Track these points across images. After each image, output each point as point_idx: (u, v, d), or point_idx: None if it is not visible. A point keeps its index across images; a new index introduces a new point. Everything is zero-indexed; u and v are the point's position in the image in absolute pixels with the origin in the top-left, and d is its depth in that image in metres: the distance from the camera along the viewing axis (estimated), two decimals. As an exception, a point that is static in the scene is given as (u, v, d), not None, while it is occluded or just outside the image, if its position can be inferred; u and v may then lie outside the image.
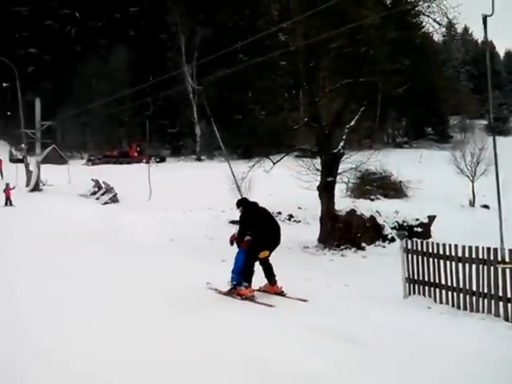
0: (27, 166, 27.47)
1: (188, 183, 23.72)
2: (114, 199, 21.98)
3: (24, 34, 53.82)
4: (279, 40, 14.89)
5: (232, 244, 7.32)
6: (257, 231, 7.18)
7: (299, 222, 16.05)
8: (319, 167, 13.89)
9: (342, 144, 12.54)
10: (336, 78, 13.28)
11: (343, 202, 14.70)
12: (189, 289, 7.39)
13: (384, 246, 13.21)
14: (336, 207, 13.45)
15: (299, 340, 5.09)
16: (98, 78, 45.60)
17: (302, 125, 14.39)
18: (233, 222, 15.73)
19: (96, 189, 23.92)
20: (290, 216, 16.33)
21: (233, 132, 34.94)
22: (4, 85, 44.32)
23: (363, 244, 12.91)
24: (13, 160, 43.01)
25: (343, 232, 12.76)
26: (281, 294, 7.26)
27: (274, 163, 13.67)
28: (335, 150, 12.73)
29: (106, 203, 21.42)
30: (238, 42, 32.33)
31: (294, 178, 15.45)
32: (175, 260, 10.72)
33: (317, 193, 13.59)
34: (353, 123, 13.07)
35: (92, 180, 24.77)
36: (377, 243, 13.33)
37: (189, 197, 19.98)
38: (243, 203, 7.63)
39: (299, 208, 16.67)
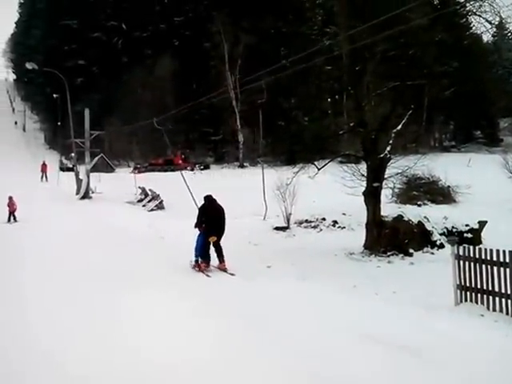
0: (77, 175, 28.33)
1: (232, 190, 23.86)
2: (160, 206, 22.37)
3: (73, 46, 56.00)
4: (323, 45, 14.81)
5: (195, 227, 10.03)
6: (206, 221, 9.82)
7: (344, 228, 15.82)
8: (364, 173, 13.66)
9: (388, 149, 12.31)
10: (382, 82, 13.05)
11: (389, 208, 14.39)
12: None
13: (432, 253, 12.82)
14: (382, 213, 13.19)
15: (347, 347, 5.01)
16: (144, 88, 46.76)
17: (347, 130, 14.23)
18: (277, 229, 15.73)
19: (142, 196, 24.45)
20: (335, 222, 16.13)
21: (276, 138, 35.10)
22: (54, 96, 46.07)
23: (411, 250, 12.56)
24: (63, 169, 44.70)
25: (390, 238, 12.48)
26: (224, 270, 9.75)
27: (319, 169, 13.54)
28: (381, 155, 12.50)
29: (152, 210, 21.85)
30: (282, 49, 32.61)
31: (338, 184, 15.27)
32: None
33: (362, 198, 13.37)
34: (399, 127, 12.81)
35: (138, 187, 25.35)
36: (425, 250, 12.95)
37: (233, 203, 20.05)
38: (204, 199, 10.40)
39: (344, 214, 16.45)
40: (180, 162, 42.87)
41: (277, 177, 16.11)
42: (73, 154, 32.55)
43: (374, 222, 12.76)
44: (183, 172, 37.98)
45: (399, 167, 13.86)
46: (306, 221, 16.51)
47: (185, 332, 5.90)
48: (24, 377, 4.74)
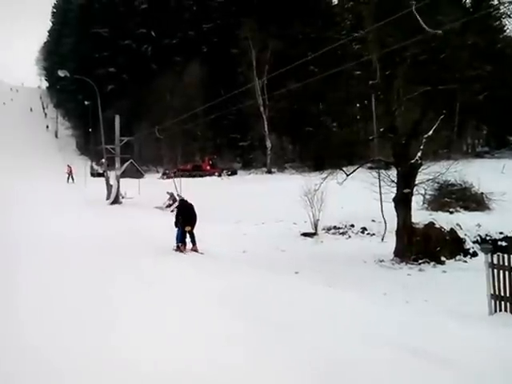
0: (107, 180, 28.73)
1: (259, 196, 23.87)
2: (188, 211, 22.54)
3: (104, 53, 57.22)
4: (352, 49, 14.69)
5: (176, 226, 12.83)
6: (183, 217, 12.71)
7: (373, 235, 15.61)
8: (394, 179, 13.47)
9: (419, 154, 12.09)
10: (413, 87, 12.85)
11: (420, 215, 14.14)
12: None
13: (465, 261, 12.52)
14: (413, 220, 12.96)
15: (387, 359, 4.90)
16: (172, 94, 47.32)
17: (376, 135, 14.07)
18: (305, 235, 15.62)
19: (171, 201, 24.64)
20: (364, 229, 15.93)
21: (304, 144, 35.00)
22: (86, 103, 47.05)
23: (443, 258, 12.29)
24: (93, 174, 45.64)
25: (421, 246, 12.24)
26: (196, 251, 12.71)
27: (348, 175, 13.42)
28: (412, 161, 12.29)
29: (180, 215, 22.02)
30: (309, 54, 32.53)
31: (367, 190, 15.10)
32: (248, 271, 10.77)
33: (391, 205, 13.18)
34: (431, 133, 12.57)
35: (167, 193, 25.57)
36: (457, 258, 12.66)
37: (260, 209, 20.09)
38: (179, 201, 14.16)
39: (373, 221, 16.23)
40: (208, 167, 43.16)
41: (304, 182, 16.01)
42: (103, 160, 33.10)
43: (405, 229, 12.55)
44: (211, 177, 38.55)
45: (430, 173, 13.62)
46: (334, 227, 16.36)
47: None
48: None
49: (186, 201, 13.40)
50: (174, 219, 13.17)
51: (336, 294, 8.26)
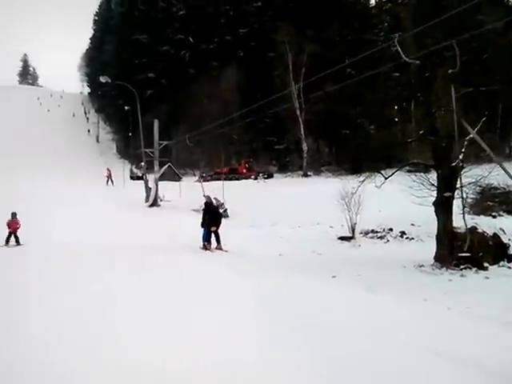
0: (146, 183, 29.32)
1: (295, 199, 23.83)
2: (224, 214, 22.70)
3: (143, 59, 58.46)
4: (390, 51, 14.46)
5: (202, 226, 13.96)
6: (209, 218, 13.79)
7: (412, 239, 15.33)
8: (434, 182, 13.16)
9: (460, 157, 11.77)
10: (454, 88, 12.53)
11: (461, 219, 13.77)
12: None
13: (509, 267, 12.09)
14: (454, 224, 12.63)
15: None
16: (209, 98, 47.78)
17: (416, 138, 13.80)
18: (342, 238, 15.49)
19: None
20: (403, 233, 15.66)
21: (341, 147, 34.60)
22: (126, 108, 48.13)
23: (485, 264, 11.91)
24: (133, 177, 46.63)
25: (463, 251, 11.91)
26: (220, 249, 13.76)
27: (386, 178, 13.21)
28: (453, 164, 11.98)
29: (217, 218, 22.24)
30: (346, 56, 32.28)
31: (405, 194, 14.81)
32: (284, 274, 10.77)
33: (431, 209, 12.89)
34: (472, 135, 12.22)
35: (204, 196, 25.83)
36: (501, 263, 12.24)
37: (297, 212, 20.07)
38: (204, 204, 14.80)
39: (412, 225, 15.94)
40: (244, 170, 43.36)
41: (341, 185, 15.88)
42: (142, 164, 33.81)
43: (446, 234, 12.25)
44: (247, 180, 38.71)
45: (472, 176, 13.24)
46: (372, 231, 16.16)
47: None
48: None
49: (212, 203, 14.83)
50: (200, 220, 14.30)
51: (375, 300, 8.15)
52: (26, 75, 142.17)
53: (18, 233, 14.89)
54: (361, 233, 15.97)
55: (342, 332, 6.24)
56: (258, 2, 53.12)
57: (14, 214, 15.15)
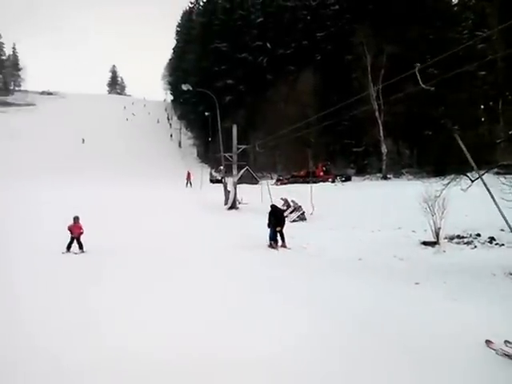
0: (225, 186, 30.08)
1: (375, 202, 23.38)
2: (302, 217, 22.76)
3: (223, 67, 60.12)
4: (476, 49, 13.86)
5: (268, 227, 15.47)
6: (275, 219, 15.43)
7: (502, 245, 14.47)
8: (526, 184, 12.38)
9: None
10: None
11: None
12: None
13: None
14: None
15: None
16: (286, 102, 48.14)
17: (505, 138, 13.09)
18: (425, 244, 14.98)
19: (285, 207, 25.06)
20: (492, 238, 14.84)
21: (423, 149, 33.34)
22: (206, 114, 49.74)
23: None
24: (212, 181, 48.08)
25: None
26: (285, 247, 15.19)
27: (473, 181, 12.63)
28: (548, 165, 11.25)
29: (294, 221, 22.32)
30: (428, 56, 31.16)
31: (495, 197, 14.06)
32: (365, 279, 10.67)
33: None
34: None
35: (281, 199, 26.05)
36: None
37: (377, 216, 19.69)
38: (270, 206, 16.35)
39: (502, 230, 15.04)
40: (321, 173, 43.11)
41: (423, 188, 15.37)
42: (221, 167, 34.74)
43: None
44: (324, 183, 38.45)
45: None
46: (458, 236, 15.48)
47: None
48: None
49: (276, 206, 16.53)
50: (266, 221, 15.80)
51: (462, 309, 7.85)
52: (115, 85, 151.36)
53: (82, 238, 13.94)
54: (445, 238, 15.32)
55: (427, 344, 6.13)
56: (335, 6, 52.75)
57: (76, 218, 14.14)
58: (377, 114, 40.62)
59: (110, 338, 6.51)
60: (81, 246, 13.89)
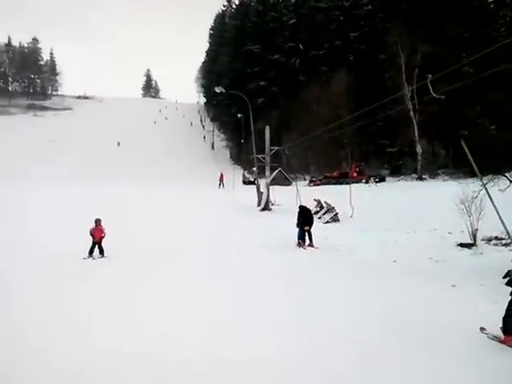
0: (258, 188, 30.26)
1: (410, 203, 23.09)
2: (335, 218, 22.68)
3: (255, 69, 60.41)
4: (515, 47, 13.53)
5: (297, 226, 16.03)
6: (303, 219, 15.94)
7: (543, 247, 14.09)
8: None
9: None
10: None
11: None
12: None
13: None
14: None
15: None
16: (319, 103, 48.03)
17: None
18: (461, 245, 14.75)
19: (318, 208, 25.03)
20: (531, 240, 14.47)
21: (458, 149, 32.64)
22: (239, 116, 50.10)
23: None
24: (245, 182, 48.38)
25: None
26: (312, 246, 15.70)
27: (511, 181, 12.39)
28: None
29: (327, 222, 22.28)
30: (463, 54, 30.52)
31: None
32: (400, 281, 10.62)
33: None
34: None
35: (314, 200, 26.03)
36: None
37: (411, 217, 19.45)
38: (299, 207, 16.77)
39: (543, 232, 14.64)
40: (355, 174, 42.77)
41: (460, 189, 15.12)
42: (254, 169, 34.94)
43: None
44: (358, 184, 38.13)
45: None
46: (496, 238, 15.14)
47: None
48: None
49: (305, 207, 16.96)
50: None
51: (499, 313, 7.73)
52: (149, 88, 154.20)
53: (103, 242, 13.20)
54: (483, 239, 15.02)
55: (468, 351, 6.09)
56: (368, 6, 52.26)
57: (97, 221, 13.26)
58: (411, 113, 40.01)
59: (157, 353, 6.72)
60: (101, 251, 13.07)
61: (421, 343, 6.43)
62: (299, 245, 15.83)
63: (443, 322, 7.38)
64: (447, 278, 10.69)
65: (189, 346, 6.28)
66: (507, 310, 6.37)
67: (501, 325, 6.40)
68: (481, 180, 11.23)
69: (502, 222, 9.72)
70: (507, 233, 9.87)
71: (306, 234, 16.00)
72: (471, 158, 9.77)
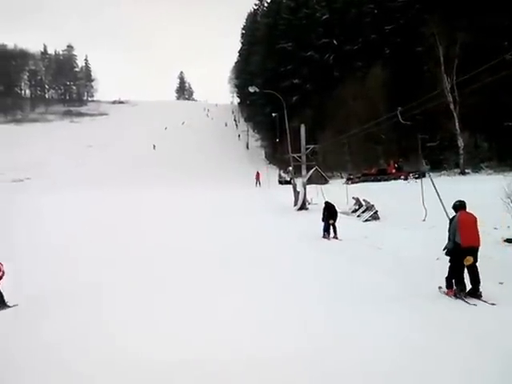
0: (294, 187, 30.07)
1: (452, 198, 22.32)
2: (375, 216, 22.27)
3: (288, 67, 60.14)
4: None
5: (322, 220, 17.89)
6: (328, 214, 17.74)
7: None
8: None
9: None
10: None
11: None
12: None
13: None
14: None
15: None
16: (355, 99, 47.21)
17: None
18: (508, 241, 14.21)
19: (357, 206, 24.63)
20: None
21: (503, 141, 31.47)
22: (273, 115, 49.96)
23: None
24: (281, 182, 48.19)
25: None
26: (336, 238, 17.44)
27: (561, 173, 11.80)
28: None
29: (366, 220, 21.91)
30: (505, 43, 29.39)
31: None
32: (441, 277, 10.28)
33: None
34: None
35: (353, 198, 25.63)
36: None
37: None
38: (325, 203, 18.65)
39: None
40: (393, 171, 41.94)
41: (506, 183, 14.56)
42: (290, 168, 34.76)
43: None
44: (396, 181, 37.35)
45: None
46: (545, 233, 14.50)
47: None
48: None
49: (330, 202, 18.55)
50: (321, 216, 18.01)
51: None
52: (183, 91, 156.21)
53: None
54: (531, 235, 14.42)
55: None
56: (403, -3, 51.02)
57: None
58: (452, 106, 38.75)
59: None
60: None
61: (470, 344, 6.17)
62: (324, 236, 17.65)
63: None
64: (493, 275, 10.28)
65: (227, 348, 6.28)
66: (448, 272, 9.07)
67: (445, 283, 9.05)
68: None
69: None
70: None
71: (331, 227, 17.72)
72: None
